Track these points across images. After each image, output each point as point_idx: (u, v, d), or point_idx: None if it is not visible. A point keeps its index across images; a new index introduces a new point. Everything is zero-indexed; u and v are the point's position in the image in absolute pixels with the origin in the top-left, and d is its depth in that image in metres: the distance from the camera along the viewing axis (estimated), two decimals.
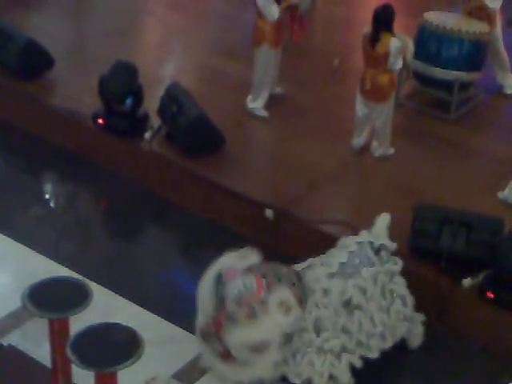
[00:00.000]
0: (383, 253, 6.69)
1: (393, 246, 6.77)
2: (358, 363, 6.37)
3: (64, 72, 9.76)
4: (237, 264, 6.08)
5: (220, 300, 5.99)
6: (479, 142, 9.03)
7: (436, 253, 7.14)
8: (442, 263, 7.13)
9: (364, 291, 6.43)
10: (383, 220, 6.93)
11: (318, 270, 6.42)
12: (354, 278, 6.40)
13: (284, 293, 5.94)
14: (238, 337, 5.89)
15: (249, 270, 6.03)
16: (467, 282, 7.05)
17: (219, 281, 6.03)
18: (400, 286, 6.69)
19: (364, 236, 6.78)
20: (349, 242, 6.73)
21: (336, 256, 6.59)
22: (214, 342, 6.01)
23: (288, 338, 6.04)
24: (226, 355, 5.95)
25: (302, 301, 6.06)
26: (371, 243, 6.70)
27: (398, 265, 6.72)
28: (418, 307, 6.89)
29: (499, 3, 9.25)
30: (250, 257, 6.16)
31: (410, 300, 6.72)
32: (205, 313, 6.10)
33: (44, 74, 9.70)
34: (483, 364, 6.90)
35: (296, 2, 8.83)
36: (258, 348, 5.88)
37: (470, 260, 7.11)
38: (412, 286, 6.78)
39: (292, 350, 6.13)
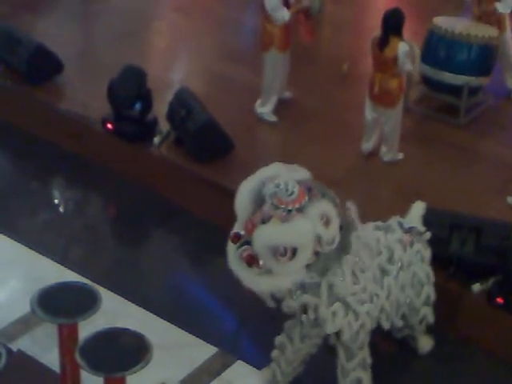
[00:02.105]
0: (413, 234, 6.49)
1: (426, 233, 6.56)
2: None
3: (73, 77, 9.79)
4: (285, 173, 5.66)
5: (259, 203, 5.56)
6: (488, 146, 9.01)
7: (445, 258, 7.12)
8: (451, 268, 7.11)
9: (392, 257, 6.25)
10: (417, 208, 6.78)
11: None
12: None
13: (326, 206, 5.52)
14: (266, 236, 5.40)
15: (295, 180, 5.61)
16: (476, 287, 7.04)
17: (262, 185, 5.63)
18: (422, 273, 6.51)
19: (394, 219, 6.59)
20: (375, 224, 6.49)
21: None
22: (241, 246, 5.54)
23: (320, 263, 5.63)
24: (252, 260, 5.47)
25: (342, 227, 5.67)
26: (400, 224, 6.50)
27: (427, 250, 6.54)
28: None
29: (509, 8, 9.24)
30: (300, 171, 5.75)
31: (427, 293, 6.55)
32: (241, 217, 5.64)
33: (53, 78, 9.72)
34: (492, 370, 6.88)
35: (306, 5, 8.83)
36: (285, 254, 5.40)
37: (480, 265, 7.09)
38: None
39: (324, 282, 5.74)
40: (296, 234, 5.40)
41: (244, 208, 5.61)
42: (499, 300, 6.89)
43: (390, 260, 6.25)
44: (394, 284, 6.27)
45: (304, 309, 5.97)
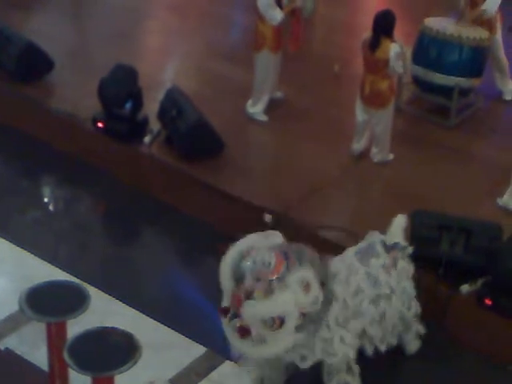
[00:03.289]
0: (396, 251, 6.61)
1: (408, 248, 6.70)
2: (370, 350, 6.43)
3: (63, 75, 9.77)
4: (259, 242, 5.98)
5: (240, 276, 5.88)
6: (479, 147, 9.03)
7: (434, 259, 7.13)
8: (440, 269, 7.12)
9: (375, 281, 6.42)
10: (399, 221, 6.82)
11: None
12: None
13: (305, 271, 5.81)
14: (253, 310, 5.75)
15: (271, 248, 5.91)
16: (465, 288, 7.05)
17: (241, 258, 5.93)
18: (410, 288, 6.67)
19: (375, 235, 6.71)
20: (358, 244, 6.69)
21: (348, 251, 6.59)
22: (233, 319, 5.88)
23: (308, 322, 5.90)
24: (244, 332, 5.81)
25: (323, 284, 5.94)
26: (383, 243, 6.62)
27: (411, 265, 6.67)
28: None
29: (494, 9, 9.22)
30: (273, 237, 6.07)
31: (415, 307, 6.70)
32: (226, 291, 5.99)
33: (43, 76, 9.71)
34: (481, 371, 6.89)
35: (299, 6, 8.82)
36: (274, 323, 5.74)
37: (469, 266, 7.10)
38: None
39: (314, 334, 6.03)
40: (279, 305, 5.74)
41: (226, 283, 5.95)
42: (488, 301, 6.90)
43: (375, 285, 6.40)
44: (389, 307, 6.45)
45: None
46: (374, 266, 6.45)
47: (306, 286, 5.77)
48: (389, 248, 6.59)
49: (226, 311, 5.92)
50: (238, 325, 5.82)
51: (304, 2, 8.90)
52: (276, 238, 6.08)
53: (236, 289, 5.86)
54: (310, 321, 5.90)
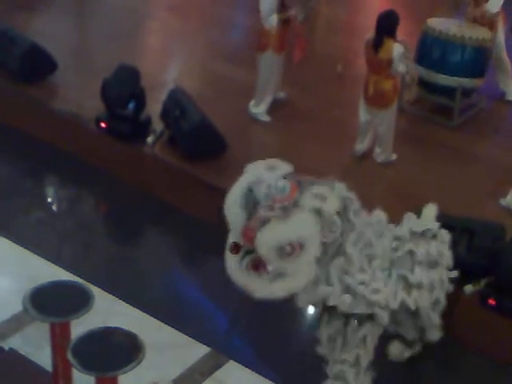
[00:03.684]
0: (428, 237, 6.19)
1: (442, 232, 6.25)
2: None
3: (67, 76, 9.78)
4: (266, 175, 5.49)
5: (251, 208, 5.40)
6: (481, 148, 9.04)
7: None
8: None
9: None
10: (429, 210, 6.47)
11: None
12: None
13: (318, 188, 5.39)
14: (269, 236, 5.23)
15: (283, 175, 5.48)
16: (469, 288, 7.04)
17: (250, 189, 5.46)
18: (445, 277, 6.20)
19: (405, 224, 6.22)
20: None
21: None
22: (244, 256, 5.37)
23: (327, 253, 5.46)
24: (259, 266, 5.30)
25: (341, 213, 5.49)
26: (412, 231, 6.18)
27: (448, 252, 6.20)
28: None
29: (497, 7, 9.22)
30: (280, 167, 5.58)
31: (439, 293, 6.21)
32: (235, 226, 5.46)
33: (47, 77, 9.71)
34: (485, 371, 6.89)
35: (294, 14, 8.80)
36: (294, 250, 5.24)
37: (472, 267, 7.09)
38: None
39: (333, 270, 5.52)
40: (300, 227, 5.28)
41: (236, 217, 5.47)
42: (491, 301, 6.90)
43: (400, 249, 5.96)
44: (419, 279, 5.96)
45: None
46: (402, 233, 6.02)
47: (322, 198, 5.34)
48: (418, 234, 6.17)
49: (237, 247, 5.38)
50: (252, 259, 5.29)
51: (301, 9, 8.88)
52: (284, 167, 5.60)
53: (248, 220, 5.36)
54: (329, 251, 5.44)
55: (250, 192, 5.48)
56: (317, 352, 6.20)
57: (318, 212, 5.37)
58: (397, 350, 6.65)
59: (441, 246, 6.21)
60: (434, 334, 6.49)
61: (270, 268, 5.30)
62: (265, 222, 5.30)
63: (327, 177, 5.75)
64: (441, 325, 6.47)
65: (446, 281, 6.27)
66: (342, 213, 5.55)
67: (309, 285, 5.52)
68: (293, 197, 5.36)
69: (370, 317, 5.88)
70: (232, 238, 5.49)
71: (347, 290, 5.66)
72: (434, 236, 6.26)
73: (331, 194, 5.43)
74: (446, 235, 6.30)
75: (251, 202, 5.44)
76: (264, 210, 5.34)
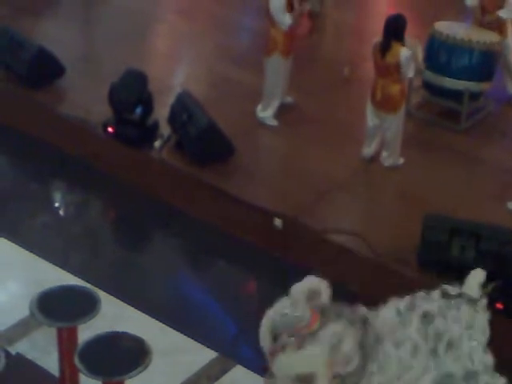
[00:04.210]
0: (460, 300, 5.68)
1: (482, 301, 5.74)
2: None
3: (74, 80, 9.79)
4: (303, 305, 5.56)
5: (277, 334, 5.56)
6: (489, 152, 9.01)
7: (445, 263, 7.12)
8: (451, 274, 7.10)
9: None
10: (476, 275, 5.87)
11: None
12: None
13: (339, 326, 5.43)
14: (282, 367, 5.45)
15: (308, 304, 5.57)
16: None
17: (280, 316, 5.57)
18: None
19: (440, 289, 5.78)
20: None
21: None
22: (271, 377, 5.55)
23: (345, 382, 5.48)
24: None
25: (363, 345, 5.48)
26: (443, 289, 5.69)
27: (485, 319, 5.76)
28: None
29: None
30: (320, 295, 5.61)
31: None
32: (265, 347, 5.62)
33: (54, 82, 9.72)
34: None
35: (307, 9, 8.83)
36: (305, 382, 5.38)
37: None
38: None
39: None
40: (307, 361, 5.41)
41: (266, 340, 5.60)
42: (499, 305, 6.89)
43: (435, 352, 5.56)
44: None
45: None
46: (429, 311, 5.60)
47: (339, 339, 5.41)
48: (450, 296, 5.71)
49: (266, 369, 5.59)
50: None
51: (313, 5, 8.92)
52: (323, 296, 5.63)
53: (272, 346, 5.54)
54: (349, 380, 5.48)
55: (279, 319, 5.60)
56: None
57: (334, 348, 5.41)
58: None
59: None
60: None
61: None
62: (284, 347, 5.48)
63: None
64: None
65: None
66: (361, 343, 5.51)
67: None
68: (312, 326, 5.45)
69: None
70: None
71: None
72: (474, 300, 5.78)
73: (349, 335, 5.42)
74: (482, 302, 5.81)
75: (278, 328, 5.55)
76: (283, 338, 5.49)
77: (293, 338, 5.47)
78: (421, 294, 5.69)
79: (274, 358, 5.51)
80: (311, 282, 5.70)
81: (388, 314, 5.63)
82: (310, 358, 5.42)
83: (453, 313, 5.59)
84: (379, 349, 5.56)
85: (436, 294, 5.66)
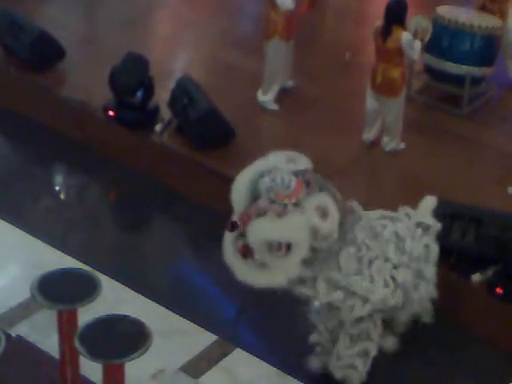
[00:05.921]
0: (422, 229, 6.23)
1: (436, 226, 6.27)
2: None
3: (75, 63, 9.78)
4: (283, 166, 5.54)
5: (256, 195, 5.46)
6: (490, 136, 9.01)
7: (446, 248, 7.12)
8: (451, 258, 7.11)
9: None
10: (427, 202, 6.52)
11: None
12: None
13: (323, 198, 5.36)
14: (261, 231, 5.30)
15: (293, 171, 5.49)
16: (476, 277, 7.04)
17: (259, 177, 5.53)
18: (431, 270, 6.25)
19: (402, 210, 6.28)
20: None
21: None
22: (238, 238, 5.47)
23: (317, 258, 5.49)
24: (246, 252, 5.39)
25: (342, 223, 5.52)
26: (408, 216, 6.23)
27: (435, 245, 6.25)
28: None
29: None
30: (299, 161, 5.61)
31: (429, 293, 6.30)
32: (238, 207, 5.54)
33: (55, 65, 9.71)
34: (492, 359, 6.89)
35: None
36: (280, 250, 5.31)
37: (480, 255, 7.09)
38: None
39: (321, 277, 5.59)
40: (290, 229, 5.31)
41: (240, 199, 5.54)
42: (499, 290, 6.90)
43: (401, 249, 5.99)
44: (408, 275, 6.01)
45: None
46: (400, 228, 6.02)
47: (323, 215, 5.35)
48: (414, 223, 6.22)
49: (234, 226, 5.46)
50: (241, 243, 5.37)
51: None
52: (303, 162, 5.63)
53: (249, 207, 5.42)
54: (320, 257, 5.48)
55: (259, 179, 5.53)
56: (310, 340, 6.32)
57: (315, 228, 5.38)
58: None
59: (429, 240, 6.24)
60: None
61: (256, 257, 5.37)
62: (261, 213, 5.34)
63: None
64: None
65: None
66: (341, 225, 5.56)
67: (291, 283, 5.60)
68: (295, 196, 5.37)
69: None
70: (234, 217, 5.56)
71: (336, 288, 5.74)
72: (427, 229, 6.26)
73: (333, 210, 5.41)
74: (435, 227, 6.31)
75: (258, 190, 5.50)
76: (264, 202, 5.38)
77: (275, 204, 5.33)
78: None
79: (249, 220, 5.34)
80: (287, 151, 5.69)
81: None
82: (293, 226, 5.29)
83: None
84: (356, 234, 5.68)
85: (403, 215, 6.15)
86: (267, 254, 5.34)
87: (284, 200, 5.36)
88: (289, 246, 5.34)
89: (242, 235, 5.44)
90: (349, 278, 5.74)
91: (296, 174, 5.49)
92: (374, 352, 6.10)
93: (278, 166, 5.55)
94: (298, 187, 5.40)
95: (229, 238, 5.54)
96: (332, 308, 5.91)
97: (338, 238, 5.57)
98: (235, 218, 5.54)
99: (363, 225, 5.84)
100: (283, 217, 5.30)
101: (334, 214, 5.42)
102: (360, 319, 5.92)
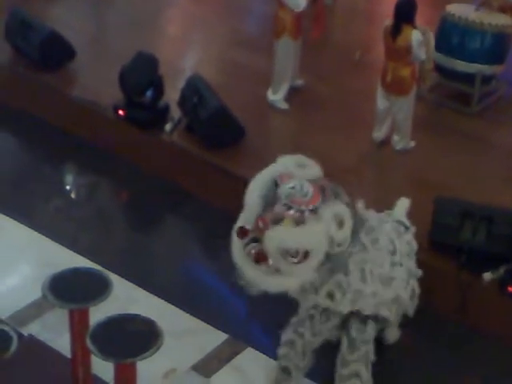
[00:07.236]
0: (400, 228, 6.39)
1: (412, 228, 6.46)
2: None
3: (85, 63, 9.80)
4: (295, 172, 5.59)
5: (270, 201, 5.46)
6: (500, 135, 8.99)
7: (457, 247, 7.11)
8: (462, 257, 7.10)
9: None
10: (402, 203, 6.72)
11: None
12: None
13: (340, 207, 5.43)
14: (279, 239, 5.29)
15: (309, 179, 5.54)
16: (488, 276, 7.03)
17: (273, 182, 5.55)
18: (413, 265, 6.35)
19: (382, 213, 6.50)
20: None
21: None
22: (251, 244, 5.44)
23: (329, 264, 5.53)
24: (261, 258, 5.37)
25: (354, 228, 5.59)
26: (389, 215, 6.48)
27: (415, 242, 6.40)
28: (438, 301, 6.87)
29: None
30: (310, 168, 5.67)
31: (412, 287, 6.31)
32: (250, 213, 5.52)
33: (65, 65, 9.73)
34: (502, 358, 6.88)
35: None
36: (297, 256, 5.32)
37: (491, 254, 7.08)
38: (432, 280, 6.75)
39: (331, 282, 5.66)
40: (309, 237, 5.35)
41: (254, 204, 5.53)
42: (510, 289, 6.88)
43: (394, 252, 6.12)
44: (403, 273, 6.14)
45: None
46: (389, 229, 6.17)
47: (340, 223, 5.41)
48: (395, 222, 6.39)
49: (244, 233, 5.45)
50: (256, 249, 5.35)
51: None
52: (314, 169, 5.68)
53: (263, 212, 5.41)
54: (332, 263, 5.53)
55: (272, 184, 5.55)
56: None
57: (335, 229, 5.45)
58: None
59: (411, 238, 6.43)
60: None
61: (270, 262, 5.38)
62: (279, 219, 5.36)
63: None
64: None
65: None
66: (354, 233, 5.63)
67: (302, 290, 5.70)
68: (313, 203, 5.41)
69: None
70: (240, 222, 5.56)
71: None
72: (407, 227, 6.43)
73: (349, 218, 5.49)
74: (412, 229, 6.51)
75: (272, 194, 5.50)
76: (280, 208, 5.40)
77: (292, 211, 5.37)
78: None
79: (264, 226, 5.34)
80: (297, 156, 5.74)
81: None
82: (312, 235, 5.34)
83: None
84: (366, 242, 5.82)
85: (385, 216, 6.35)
86: (283, 260, 5.36)
87: (301, 206, 5.39)
88: (305, 253, 5.38)
89: (254, 240, 5.43)
90: (357, 282, 5.81)
91: (311, 181, 5.54)
92: (373, 356, 6.12)
93: (290, 171, 5.61)
94: (316, 194, 5.46)
95: (238, 242, 5.54)
96: (327, 319, 5.99)
97: (349, 248, 5.64)
98: (244, 222, 5.54)
99: (367, 228, 5.92)
100: (301, 225, 5.35)
101: (349, 223, 5.50)
102: (365, 322, 5.98)
